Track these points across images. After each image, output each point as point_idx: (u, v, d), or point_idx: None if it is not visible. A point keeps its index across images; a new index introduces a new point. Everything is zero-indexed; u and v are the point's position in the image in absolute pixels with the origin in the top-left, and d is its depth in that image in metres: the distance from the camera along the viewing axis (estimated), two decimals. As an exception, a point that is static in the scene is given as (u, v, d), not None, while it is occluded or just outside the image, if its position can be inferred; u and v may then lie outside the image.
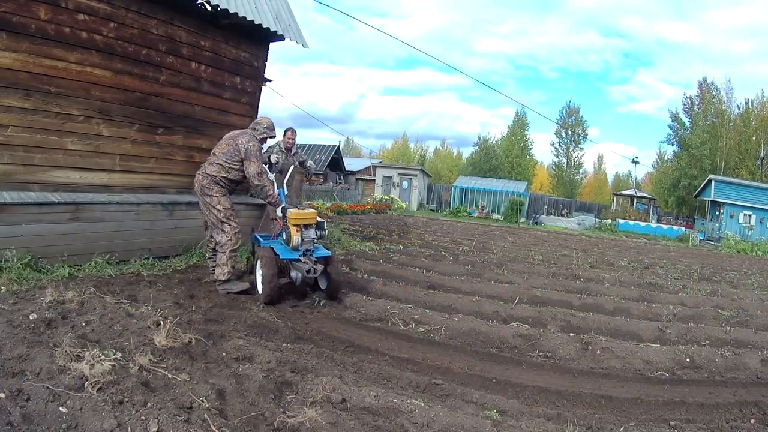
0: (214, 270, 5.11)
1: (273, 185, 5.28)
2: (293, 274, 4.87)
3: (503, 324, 4.85)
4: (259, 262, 4.87)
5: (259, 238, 5.49)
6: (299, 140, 7.27)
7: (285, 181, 6.10)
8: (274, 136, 5.40)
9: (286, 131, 7.11)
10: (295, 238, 4.84)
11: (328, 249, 5.28)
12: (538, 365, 4.03)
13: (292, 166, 6.41)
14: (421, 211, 28.29)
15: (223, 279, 4.94)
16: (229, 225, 4.96)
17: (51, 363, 2.70)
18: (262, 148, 5.28)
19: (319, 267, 4.85)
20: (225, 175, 4.98)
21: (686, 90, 74.71)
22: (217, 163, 4.97)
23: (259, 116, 5.50)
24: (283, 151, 6.97)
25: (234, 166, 4.97)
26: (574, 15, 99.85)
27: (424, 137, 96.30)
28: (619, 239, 20.51)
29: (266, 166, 5.44)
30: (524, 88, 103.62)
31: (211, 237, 5.20)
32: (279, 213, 5.10)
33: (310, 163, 7.22)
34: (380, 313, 4.90)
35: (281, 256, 4.85)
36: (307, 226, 4.96)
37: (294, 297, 5.16)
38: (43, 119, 5.05)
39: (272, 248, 4.93)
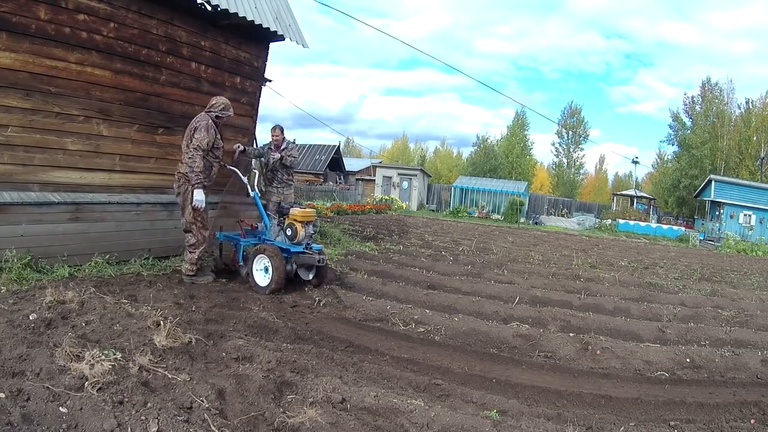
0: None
1: (208, 164, 5.19)
2: (287, 267, 5.34)
3: (503, 324, 4.85)
4: (268, 257, 5.20)
5: (234, 236, 5.91)
6: (300, 140, 7.26)
7: (257, 183, 6.54)
8: (230, 114, 5.38)
9: (272, 129, 7.08)
10: (301, 233, 5.42)
11: (318, 244, 5.98)
12: (538, 365, 4.02)
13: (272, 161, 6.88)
14: (421, 211, 28.28)
15: (190, 274, 5.29)
16: (196, 226, 5.22)
17: (51, 363, 2.70)
18: (216, 123, 5.24)
19: (325, 257, 5.44)
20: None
21: (687, 90, 74.64)
22: (186, 160, 5.06)
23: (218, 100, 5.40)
24: (271, 149, 6.95)
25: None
26: (575, 16, 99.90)
27: (424, 137, 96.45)
28: (619, 239, 20.50)
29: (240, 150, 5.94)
30: (526, 89, 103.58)
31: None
32: (197, 198, 5.03)
33: (290, 159, 7.12)
34: (380, 313, 4.90)
35: (291, 250, 5.36)
36: (307, 223, 5.52)
37: (293, 297, 5.16)
38: (43, 119, 5.05)
39: (275, 245, 5.43)
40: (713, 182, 25.74)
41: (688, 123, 36.97)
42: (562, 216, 29.45)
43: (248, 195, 6.19)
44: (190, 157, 4.97)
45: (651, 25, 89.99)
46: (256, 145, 7.68)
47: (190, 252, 5.27)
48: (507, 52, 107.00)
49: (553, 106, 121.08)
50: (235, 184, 6.32)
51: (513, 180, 34.53)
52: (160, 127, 6.22)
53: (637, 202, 32.24)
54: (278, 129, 7.08)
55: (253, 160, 7.48)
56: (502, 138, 46.43)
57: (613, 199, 36.55)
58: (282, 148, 7.04)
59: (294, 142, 7.68)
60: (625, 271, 9.57)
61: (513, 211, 26.19)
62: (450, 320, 4.75)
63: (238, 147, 6.12)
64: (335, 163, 39.85)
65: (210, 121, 5.14)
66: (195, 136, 5.01)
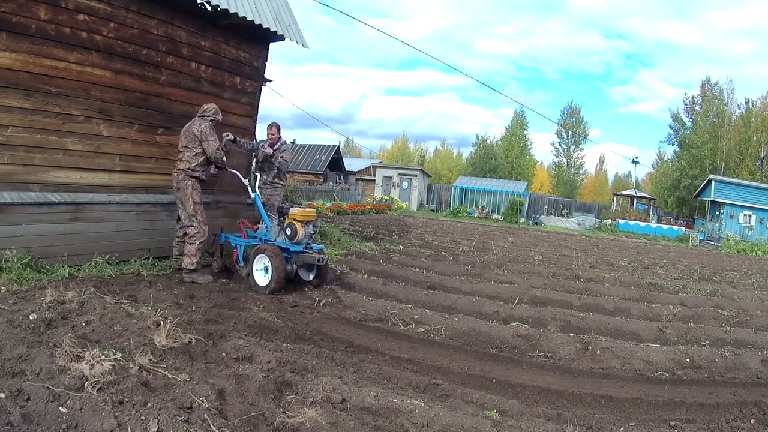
0: (179, 257, 5.59)
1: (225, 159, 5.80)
2: (288, 267, 5.34)
3: (503, 324, 4.85)
4: (268, 257, 5.19)
5: (234, 237, 5.95)
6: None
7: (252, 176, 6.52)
8: (220, 119, 5.78)
9: (269, 126, 7.00)
10: (301, 232, 5.39)
11: (318, 243, 6.03)
12: (538, 365, 4.02)
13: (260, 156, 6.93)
14: (421, 212, 28.29)
15: (191, 268, 5.37)
16: (197, 219, 5.42)
17: (51, 363, 2.70)
18: (231, 135, 5.95)
19: (325, 256, 5.44)
20: (195, 164, 5.42)
21: (687, 90, 74.56)
22: (186, 157, 5.42)
23: (208, 105, 5.76)
24: (265, 148, 6.86)
25: (198, 150, 5.45)
26: (576, 17, 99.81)
27: (424, 137, 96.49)
28: (619, 239, 20.50)
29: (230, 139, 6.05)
30: (526, 89, 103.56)
31: (181, 228, 5.64)
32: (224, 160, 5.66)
33: (280, 160, 6.97)
34: (380, 313, 4.90)
35: (291, 250, 5.36)
36: (307, 223, 5.50)
37: (293, 297, 5.17)
38: (44, 119, 5.05)
39: (276, 245, 5.42)
40: (713, 182, 25.74)
41: (688, 123, 37.00)
42: (562, 216, 29.45)
43: (249, 196, 6.18)
44: (216, 158, 5.54)
45: (651, 25, 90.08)
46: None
47: (189, 243, 5.38)
48: (508, 53, 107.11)
49: (554, 107, 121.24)
50: (224, 182, 6.30)
51: (513, 180, 34.52)
52: (160, 127, 6.22)
53: (637, 202, 32.25)
54: (274, 127, 6.96)
55: (253, 162, 7.43)
56: (501, 138, 46.46)
57: (613, 199, 36.56)
58: (275, 147, 6.94)
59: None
60: (625, 271, 9.57)
61: (513, 211, 26.20)
62: (450, 320, 4.75)
63: (227, 136, 6.04)
64: (335, 163, 39.82)
65: (210, 124, 5.56)
66: (210, 139, 5.44)
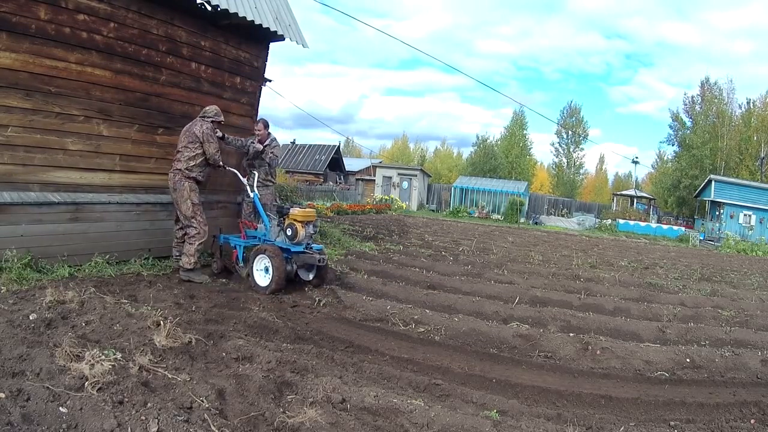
0: (178, 258, 5.58)
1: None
2: (288, 267, 5.34)
3: (503, 324, 4.85)
4: (269, 257, 5.20)
5: (234, 238, 5.99)
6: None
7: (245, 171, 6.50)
8: (222, 121, 5.85)
9: (255, 123, 6.95)
10: (302, 233, 5.40)
11: (318, 244, 6.06)
12: (538, 365, 4.02)
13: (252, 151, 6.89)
14: (421, 211, 28.29)
15: (189, 268, 5.38)
16: (196, 220, 5.45)
17: (51, 363, 2.70)
18: (216, 129, 5.89)
19: (325, 257, 5.45)
20: (193, 164, 5.49)
21: (687, 90, 74.55)
22: (185, 157, 5.47)
23: (209, 107, 5.85)
24: (255, 145, 6.79)
25: (198, 151, 5.51)
26: (576, 17, 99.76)
27: (424, 137, 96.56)
28: (619, 239, 20.50)
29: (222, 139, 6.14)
30: (526, 89, 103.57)
31: (180, 229, 5.67)
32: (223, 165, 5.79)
33: (271, 155, 6.88)
34: (380, 313, 4.90)
35: (292, 250, 5.36)
36: (307, 223, 5.51)
37: (293, 297, 5.17)
38: (44, 119, 5.04)
39: (276, 245, 5.43)
40: (713, 182, 25.73)
41: (689, 123, 37.00)
42: (562, 216, 29.45)
43: (248, 196, 6.18)
44: (214, 160, 5.64)
45: (651, 25, 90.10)
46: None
47: (189, 243, 5.41)
48: (508, 53, 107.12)
49: (554, 107, 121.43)
50: (216, 181, 6.25)
51: (513, 180, 34.54)
52: (160, 127, 6.21)
53: (637, 202, 32.24)
54: (261, 123, 6.87)
55: (244, 160, 7.39)
56: (501, 138, 46.45)
57: (613, 199, 36.55)
58: (265, 143, 6.87)
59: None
60: (625, 271, 9.57)
61: (513, 211, 26.20)
62: (450, 320, 4.75)
63: (216, 133, 6.03)
64: (335, 163, 39.82)
65: (211, 126, 5.66)
66: (211, 142, 5.55)
